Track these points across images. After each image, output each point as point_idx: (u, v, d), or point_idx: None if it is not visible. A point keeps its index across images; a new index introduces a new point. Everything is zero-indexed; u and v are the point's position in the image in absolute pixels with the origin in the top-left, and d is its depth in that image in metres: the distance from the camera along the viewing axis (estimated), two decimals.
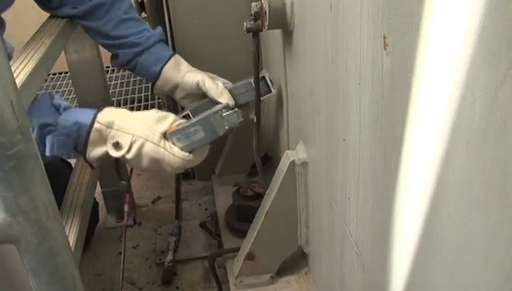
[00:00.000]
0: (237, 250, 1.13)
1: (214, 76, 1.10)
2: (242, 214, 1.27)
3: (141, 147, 0.85)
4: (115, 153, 0.85)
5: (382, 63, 0.52)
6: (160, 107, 2.64)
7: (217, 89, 1.04)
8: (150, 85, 1.14)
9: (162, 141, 0.86)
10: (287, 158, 0.96)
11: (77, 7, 1.09)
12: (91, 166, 0.90)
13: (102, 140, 0.85)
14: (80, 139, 0.84)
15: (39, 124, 0.82)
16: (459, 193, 0.41)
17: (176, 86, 1.10)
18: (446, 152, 0.41)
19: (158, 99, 2.61)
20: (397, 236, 0.56)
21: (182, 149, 0.86)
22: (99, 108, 0.87)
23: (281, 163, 0.99)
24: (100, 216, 1.67)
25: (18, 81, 0.78)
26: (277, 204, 1.00)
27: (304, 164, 0.95)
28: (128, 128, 0.85)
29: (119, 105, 2.63)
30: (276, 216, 1.02)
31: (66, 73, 2.88)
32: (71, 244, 0.92)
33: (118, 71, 3.01)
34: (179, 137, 0.86)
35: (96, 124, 0.84)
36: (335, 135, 0.73)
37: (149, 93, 2.73)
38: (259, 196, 1.21)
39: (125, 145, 0.85)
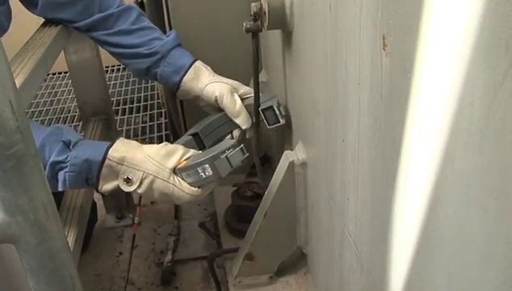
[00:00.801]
0: (235, 250, 1.13)
1: (237, 85, 1.07)
2: (241, 214, 1.27)
3: (152, 183, 0.86)
4: (126, 188, 0.87)
5: (381, 63, 0.52)
6: (159, 108, 2.64)
7: (234, 108, 1.03)
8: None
9: (172, 176, 0.87)
10: (287, 158, 0.96)
11: (81, 21, 1.08)
12: (102, 194, 0.92)
13: (114, 175, 0.87)
14: (91, 175, 0.86)
15: (51, 162, 0.85)
16: (457, 194, 0.41)
17: (197, 97, 1.09)
18: (445, 152, 0.41)
19: (158, 99, 2.61)
20: (396, 236, 0.56)
21: (190, 185, 0.88)
22: (111, 142, 0.88)
23: (280, 163, 0.99)
24: (99, 216, 1.67)
25: (18, 81, 0.78)
26: (276, 205, 1.00)
27: (304, 164, 0.95)
28: (138, 165, 0.86)
29: (118, 105, 2.63)
30: (275, 216, 1.02)
31: (66, 73, 2.88)
32: (70, 244, 0.92)
33: (117, 71, 3.01)
34: (188, 174, 0.87)
35: (107, 161, 0.86)
36: (334, 135, 0.73)
37: (149, 93, 2.73)
38: (258, 197, 1.21)
39: (136, 180, 0.86)
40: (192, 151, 0.91)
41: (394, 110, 0.50)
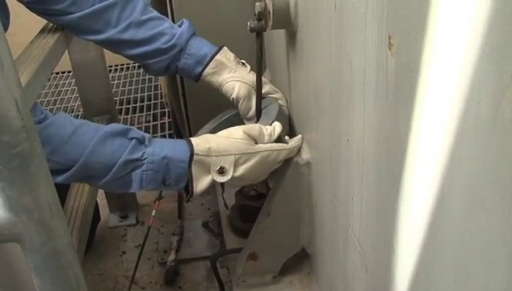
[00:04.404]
0: (238, 250, 1.13)
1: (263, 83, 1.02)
2: (245, 214, 1.27)
3: (246, 162, 0.84)
4: (221, 179, 0.84)
5: (387, 63, 0.52)
6: (162, 107, 2.64)
7: (247, 114, 1.02)
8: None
9: (260, 145, 0.87)
10: (291, 157, 0.96)
11: (78, 12, 0.98)
12: (187, 200, 0.90)
13: (205, 170, 0.84)
14: (168, 174, 0.82)
15: (125, 160, 0.79)
16: (463, 194, 0.41)
17: (217, 90, 1.05)
18: (452, 153, 0.41)
19: (161, 98, 2.62)
20: (401, 236, 0.56)
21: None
22: (187, 140, 0.84)
23: (284, 163, 0.99)
24: (102, 215, 1.67)
25: (23, 80, 0.78)
26: (280, 204, 1.00)
27: (308, 164, 0.95)
28: (226, 150, 0.83)
29: (121, 104, 2.63)
30: (279, 216, 1.02)
31: (69, 72, 2.89)
32: (74, 243, 0.92)
33: (121, 70, 3.02)
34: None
35: (196, 157, 0.82)
36: (339, 135, 0.73)
37: (152, 92, 2.74)
38: (262, 196, 1.21)
39: (229, 167, 0.83)
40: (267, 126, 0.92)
41: (399, 110, 0.50)
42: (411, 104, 0.47)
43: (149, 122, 2.47)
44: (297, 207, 1.01)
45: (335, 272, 0.89)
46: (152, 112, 2.55)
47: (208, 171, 0.84)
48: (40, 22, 1.08)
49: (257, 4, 0.90)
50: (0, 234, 0.51)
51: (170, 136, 2.30)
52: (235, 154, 0.83)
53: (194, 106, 1.38)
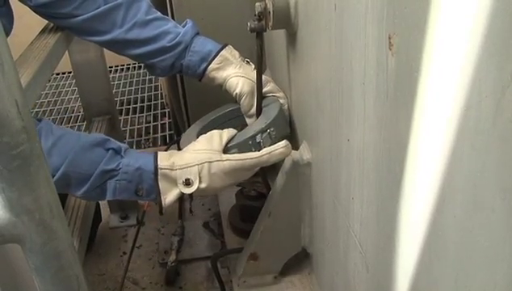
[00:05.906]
0: (239, 250, 1.13)
1: (264, 80, 1.01)
2: (245, 214, 1.27)
3: (209, 170, 0.85)
4: (189, 190, 0.85)
5: (387, 63, 0.52)
6: (163, 108, 2.64)
7: (249, 111, 1.03)
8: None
9: (224, 155, 0.87)
10: (291, 158, 0.96)
11: (84, 14, 0.99)
12: (160, 212, 0.90)
13: (172, 183, 0.85)
14: (141, 185, 0.84)
15: (101, 171, 0.81)
16: (464, 194, 0.41)
17: (220, 86, 1.06)
18: (452, 153, 0.41)
19: (161, 99, 2.62)
20: (402, 236, 0.56)
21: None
22: (154, 154, 0.86)
23: (284, 163, 0.99)
24: (103, 216, 1.67)
25: (23, 81, 0.78)
26: (280, 205, 1.00)
27: (308, 164, 0.95)
28: (189, 162, 0.85)
29: (121, 105, 2.63)
30: (280, 216, 1.02)
31: (70, 73, 2.89)
32: (75, 244, 0.92)
33: (121, 71, 3.02)
34: (234, 151, 0.89)
35: (160, 171, 0.84)
36: (339, 135, 0.73)
37: (152, 93, 2.74)
38: (263, 196, 1.21)
39: (194, 177, 0.84)
40: (227, 130, 0.91)
41: (400, 109, 0.50)
42: (411, 104, 0.47)
43: (150, 122, 2.47)
44: (298, 207, 1.01)
45: (336, 272, 0.89)
46: (152, 113, 2.55)
47: (175, 184, 0.85)
48: (41, 22, 1.09)
49: (257, 4, 0.90)
50: (0, 235, 0.51)
51: (171, 136, 2.30)
52: (198, 165, 0.84)
53: (194, 106, 1.38)
